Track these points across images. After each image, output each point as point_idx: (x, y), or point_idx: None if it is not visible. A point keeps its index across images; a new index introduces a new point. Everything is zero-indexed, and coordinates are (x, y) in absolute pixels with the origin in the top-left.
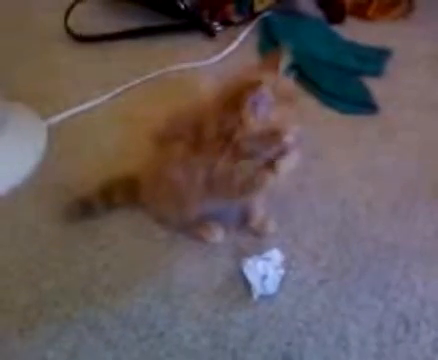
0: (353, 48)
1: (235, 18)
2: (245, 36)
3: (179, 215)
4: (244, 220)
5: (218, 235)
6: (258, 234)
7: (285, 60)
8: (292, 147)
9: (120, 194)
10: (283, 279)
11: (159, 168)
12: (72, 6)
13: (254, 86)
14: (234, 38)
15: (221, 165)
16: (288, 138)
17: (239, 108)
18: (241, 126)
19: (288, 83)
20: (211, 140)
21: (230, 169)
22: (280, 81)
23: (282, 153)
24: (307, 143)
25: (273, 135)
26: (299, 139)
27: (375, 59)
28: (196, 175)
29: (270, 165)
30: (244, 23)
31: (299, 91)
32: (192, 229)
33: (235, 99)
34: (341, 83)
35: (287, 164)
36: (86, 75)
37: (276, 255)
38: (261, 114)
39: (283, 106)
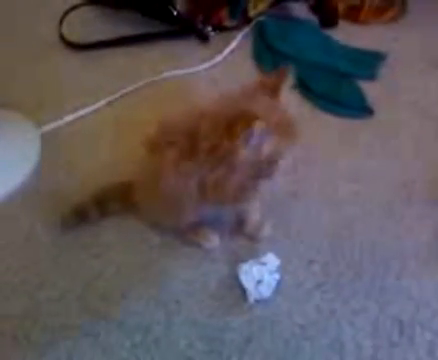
0: (347, 52)
1: (229, 23)
2: (239, 41)
3: (174, 221)
4: (239, 225)
5: (213, 240)
6: (253, 239)
7: (288, 83)
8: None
9: (114, 201)
10: (278, 283)
11: (152, 174)
12: (66, 13)
13: (249, 121)
14: (228, 43)
15: (214, 174)
16: (280, 164)
17: (233, 138)
18: (233, 155)
19: (286, 112)
20: (204, 152)
21: (223, 177)
22: (278, 110)
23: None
24: (302, 147)
25: (265, 164)
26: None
27: (369, 63)
28: (189, 181)
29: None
30: (238, 28)
31: (297, 119)
32: (187, 235)
33: (230, 128)
34: (336, 87)
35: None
36: (80, 82)
37: (271, 259)
38: (253, 147)
39: (278, 136)
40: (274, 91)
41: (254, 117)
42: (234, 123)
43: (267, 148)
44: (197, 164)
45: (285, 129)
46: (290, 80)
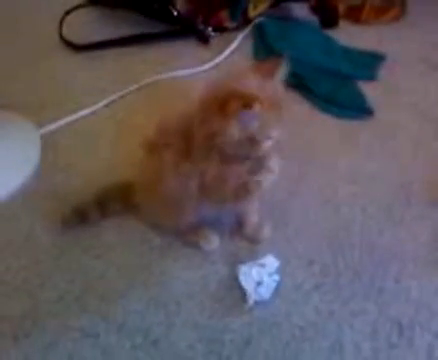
0: (347, 53)
1: (229, 24)
2: (239, 42)
3: (173, 222)
4: (239, 226)
5: (213, 242)
6: (253, 240)
7: (283, 69)
8: (273, 150)
9: (115, 202)
10: (278, 285)
11: (151, 176)
12: (66, 14)
13: (249, 103)
14: (228, 44)
15: (212, 170)
16: (267, 144)
17: (226, 116)
18: (222, 133)
19: (276, 90)
20: (199, 145)
21: (222, 174)
22: (268, 87)
23: (263, 157)
24: (301, 147)
25: (251, 142)
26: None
27: (369, 64)
28: (189, 182)
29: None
30: (238, 29)
31: (288, 98)
32: (187, 236)
33: (224, 105)
34: (336, 88)
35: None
36: (80, 83)
37: (271, 261)
38: (246, 126)
39: (267, 113)
40: (267, 75)
41: (253, 100)
42: (230, 100)
43: (255, 124)
44: (195, 162)
45: (273, 108)
46: (284, 69)
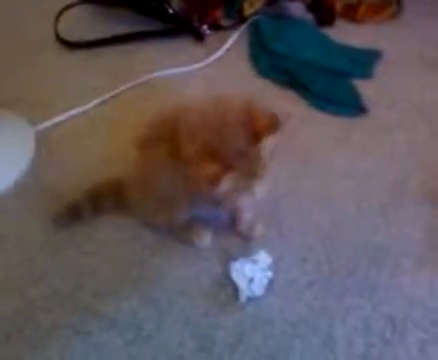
0: (343, 51)
1: (224, 22)
2: (234, 40)
3: (165, 219)
4: (232, 223)
5: (206, 239)
6: (246, 237)
7: (277, 131)
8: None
9: (107, 199)
10: (271, 281)
11: (143, 173)
12: (61, 12)
13: (215, 180)
14: (223, 42)
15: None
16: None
17: (199, 172)
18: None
19: (255, 161)
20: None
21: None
22: (249, 158)
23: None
24: (296, 145)
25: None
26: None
27: (365, 61)
28: (177, 179)
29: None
30: (233, 27)
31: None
32: (180, 233)
33: (198, 164)
34: (331, 86)
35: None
36: (75, 81)
37: (263, 258)
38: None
39: (240, 180)
40: (257, 137)
41: (224, 169)
42: (204, 158)
43: (224, 188)
44: (182, 161)
45: (248, 178)
46: (278, 134)
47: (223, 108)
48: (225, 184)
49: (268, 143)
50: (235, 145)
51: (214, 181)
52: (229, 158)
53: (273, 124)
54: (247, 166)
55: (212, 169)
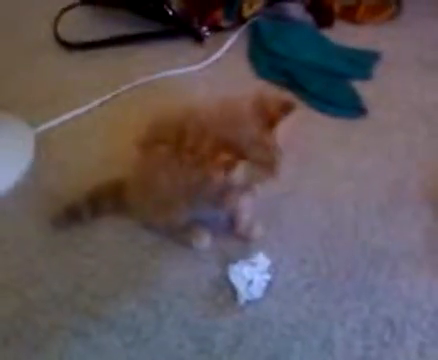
0: (342, 52)
1: (224, 23)
2: (234, 41)
3: (164, 220)
4: (231, 225)
5: (205, 241)
6: (245, 239)
7: (291, 118)
8: None
9: (107, 201)
10: (269, 284)
11: (143, 173)
12: (61, 13)
13: (232, 161)
14: (222, 43)
15: (196, 178)
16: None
17: (214, 163)
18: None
19: (271, 150)
20: (188, 149)
21: (204, 181)
22: (264, 146)
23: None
24: (296, 146)
25: (237, 189)
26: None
27: (364, 63)
28: (176, 180)
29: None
30: (233, 28)
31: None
32: (179, 235)
33: (213, 154)
34: (330, 87)
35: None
36: (74, 82)
37: (262, 260)
38: (227, 180)
39: (256, 170)
40: (271, 123)
41: (238, 159)
42: (218, 151)
43: (240, 179)
44: (182, 163)
45: (265, 166)
46: (294, 116)
47: (232, 104)
48: (240, 171)
49: (282, 129)
50: (249, 134)
51: (229, 167)
52: (244, 148)
53: (286, 108)
54: (263, 154)
55: (226, 157)
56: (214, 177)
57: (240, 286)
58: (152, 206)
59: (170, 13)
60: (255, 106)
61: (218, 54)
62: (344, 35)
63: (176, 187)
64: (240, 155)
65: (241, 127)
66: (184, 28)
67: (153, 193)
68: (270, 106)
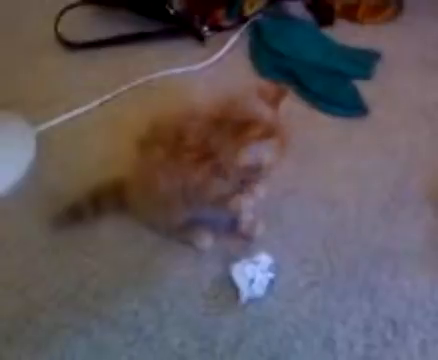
0: (343, 51)
1: (225, 23)
2: (235, 40)
3: (166, 220)
4: (233, 224)
5: (207, 240)
6: (247, 238)
7: (287, 100)
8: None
9: (108, 200)
10: (271, 282)
11: (143, 173)
12: (62, 13)
13: (266, 136)
14: (224, 43)
15: (196, 177)
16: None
17: (239, 142)
18: (234, 159)
19: (283, 127)
20: (189, 148)
21: (204, 182)
22: (278, 122)
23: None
24: (298, 146)
25: (258, 169)
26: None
27: (365, 62)
28: (175, 181)
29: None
30: (234, 27)
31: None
32: (181, 234)
33: (237, 130)
34: (332, 86)
35: (262, 188)
36: (75, 82)
37: (264, 258)
38: (256, 156)
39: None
40: (274, 102)
41: (271, 133)
42: (245, 127)
43: (269, 157)
44: (182, 164)
45: (280, 141)
46: (289, 97)
47: (232, 99)
48: (270, 146)
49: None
50: (265, 113)
51: (268, 134)
52: (267, 123)
53: (281, 90)
54: (279, 131)
55: (258, 130)
56: (242, 157)
57: (242, 285)
58: (151, 206)
59: (171, 12)
60: (255, 93)
61: (220, 53)
62: (345, 34)
63: (174, 188)
64: (268, 131)
65: (255, 108)
66: (185, 27)
67: (151, 193)
68: (267, 91)
